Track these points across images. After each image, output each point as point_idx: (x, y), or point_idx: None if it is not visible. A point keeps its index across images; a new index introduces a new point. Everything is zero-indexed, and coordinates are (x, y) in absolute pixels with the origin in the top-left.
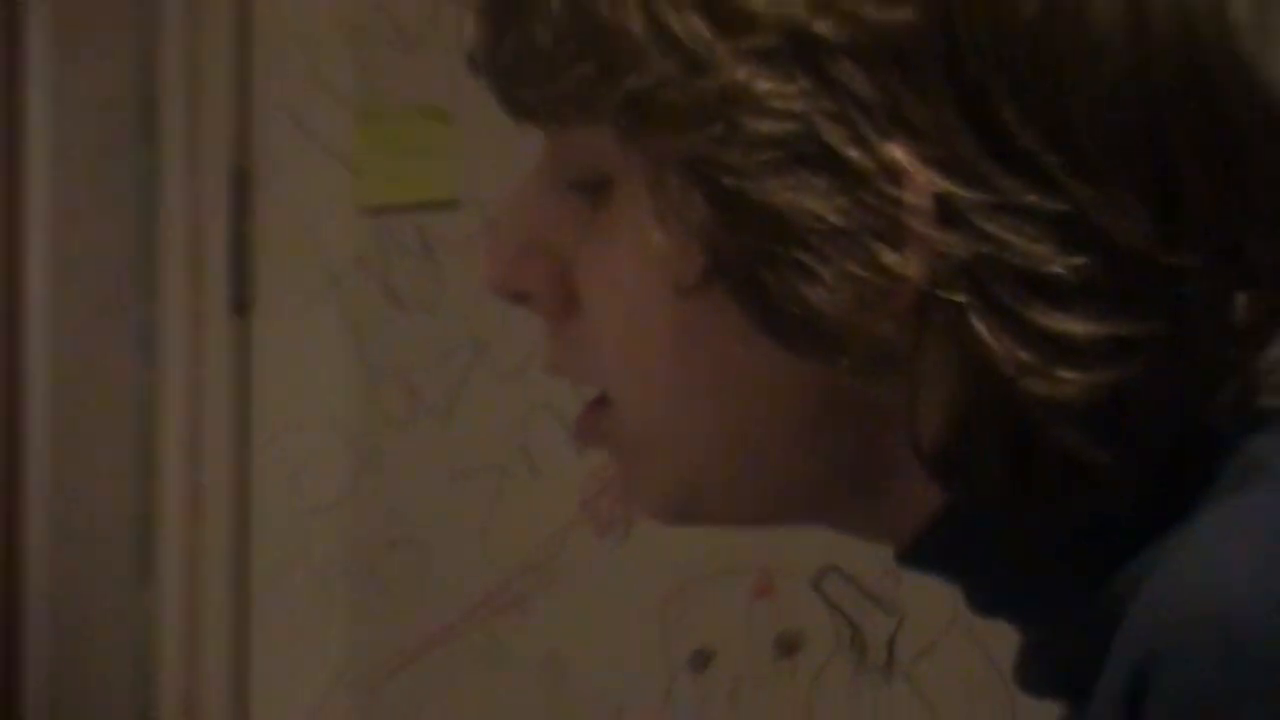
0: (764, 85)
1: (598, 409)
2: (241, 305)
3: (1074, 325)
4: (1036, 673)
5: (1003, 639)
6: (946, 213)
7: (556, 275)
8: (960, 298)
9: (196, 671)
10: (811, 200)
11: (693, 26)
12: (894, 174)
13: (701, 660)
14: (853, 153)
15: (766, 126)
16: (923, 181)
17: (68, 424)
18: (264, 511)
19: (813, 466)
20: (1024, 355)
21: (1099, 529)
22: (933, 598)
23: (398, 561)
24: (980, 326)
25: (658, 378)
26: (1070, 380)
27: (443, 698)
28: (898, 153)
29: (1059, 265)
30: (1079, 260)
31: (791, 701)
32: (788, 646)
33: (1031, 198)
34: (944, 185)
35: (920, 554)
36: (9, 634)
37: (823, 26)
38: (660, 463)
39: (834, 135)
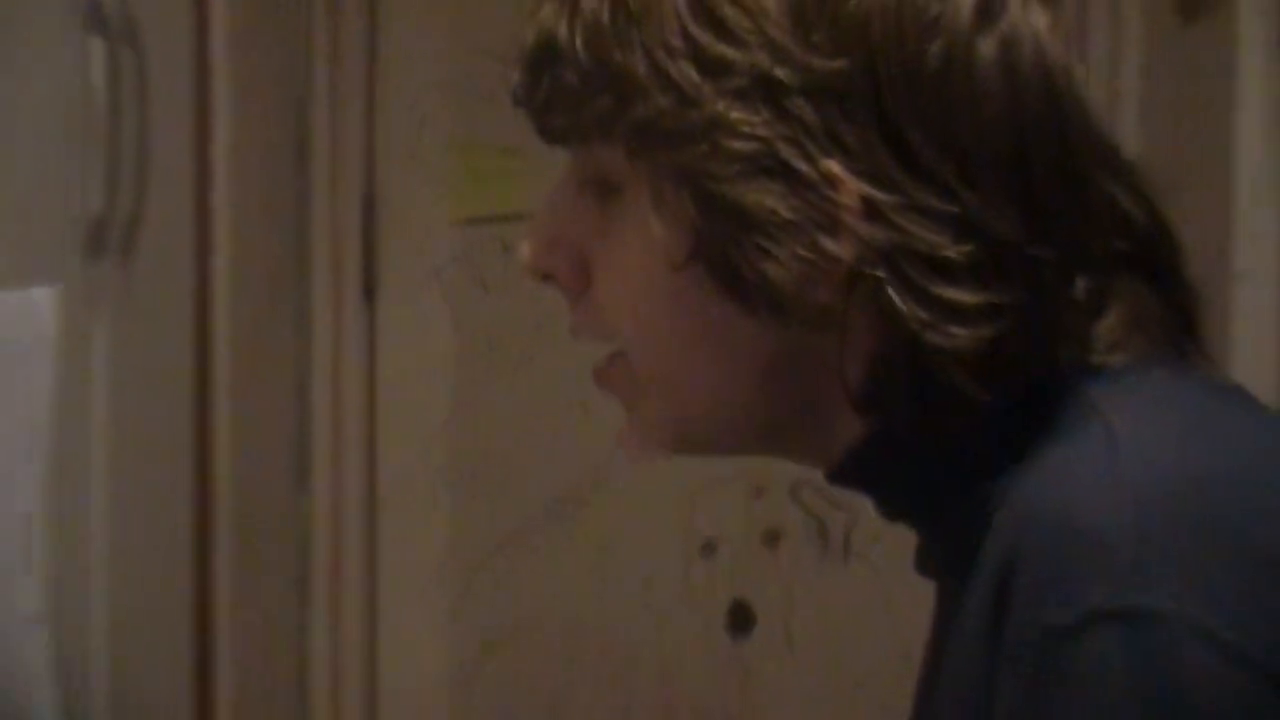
0: (737, 115)
1: (615, 360)
2: (370, 291)
3: (962, 295)
4: (929, 562)
5: None
6: (870, 211)
7: (576, 260)
8: (880, 274)
9: (340, 552)
10: (771, 200)
11: (684, 71)
12: (832, 182)
13: (709, 548)
14: (802, 166)
15: (738, 146)
16: (853, 187)
17: (245, 378)
18: (388, 437)
19: (771, 406)
20: (925, 316)
21: (974, 456)
22: None
23: (487, 476)
24: (894, 295)
25: (656, 333)
26: (959, 335)
27: (521, 576)
28: (834, 166)
29: (951, 251)
30: (966, 248)
31: (776, 579)
32: (772, 538)
33: (932, 200)
34: (868, 190)
35: (842, 474)
36: (204, 525)
37: (781, 73)
38: (660, 403)
39: (788, 153)
